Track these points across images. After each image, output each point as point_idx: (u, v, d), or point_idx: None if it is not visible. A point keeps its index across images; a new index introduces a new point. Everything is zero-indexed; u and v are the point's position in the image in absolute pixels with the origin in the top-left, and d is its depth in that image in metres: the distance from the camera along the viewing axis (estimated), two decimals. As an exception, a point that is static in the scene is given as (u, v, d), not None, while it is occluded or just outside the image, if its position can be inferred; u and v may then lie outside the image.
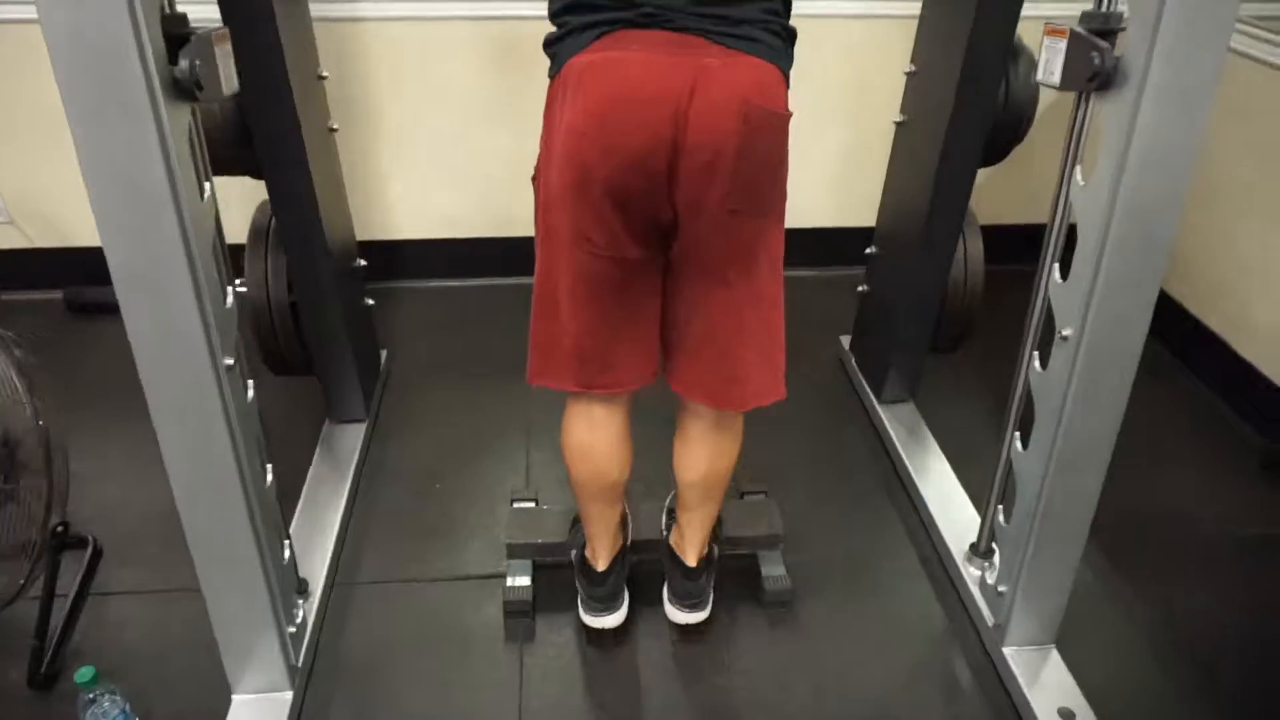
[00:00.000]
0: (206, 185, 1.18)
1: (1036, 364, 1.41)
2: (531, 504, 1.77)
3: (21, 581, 1.42)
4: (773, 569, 1.71)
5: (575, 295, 1.25)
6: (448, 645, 1.59)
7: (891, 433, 2.05)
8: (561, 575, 1.66)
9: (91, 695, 1.33)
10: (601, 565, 1.55)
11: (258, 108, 1.57)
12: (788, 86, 1.16)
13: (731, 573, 1.71)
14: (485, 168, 2.52)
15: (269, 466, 1.37)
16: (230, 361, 1.21)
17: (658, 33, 1.08)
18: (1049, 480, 1.41)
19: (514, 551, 1.68)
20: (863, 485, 1.99)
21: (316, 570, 1.66)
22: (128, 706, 1.37)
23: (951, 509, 1.85)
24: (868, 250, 2.13)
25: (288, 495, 1.80)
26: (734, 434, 1.46)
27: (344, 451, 1.95)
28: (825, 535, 1.84)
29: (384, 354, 2.27)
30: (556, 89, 1.17)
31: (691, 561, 1.56)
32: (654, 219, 1.18)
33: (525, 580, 1.66)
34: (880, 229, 2.11)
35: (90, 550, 1.68)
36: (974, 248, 1.97)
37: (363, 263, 2.05)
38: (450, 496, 1.91)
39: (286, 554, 1.43)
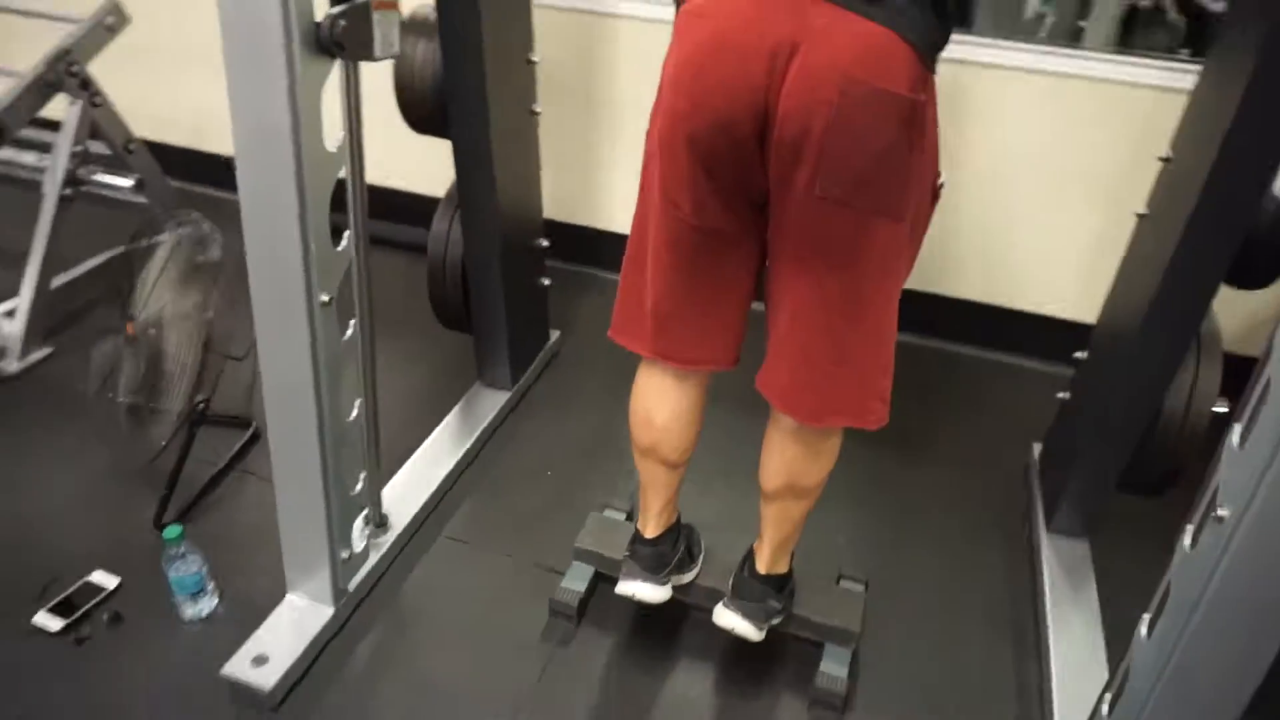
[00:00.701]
0: (338, 136, 1.29)
1: (1187, 538, 1.13)
2: (621, 516, 1.74)
3: (163, 443, 1.66)
4: (833, 666, 1.53)
5: (659, 258, 1.20)
6: (490, 622, 1.62)
7: (1046, 566, 1.75)
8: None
9: (177, 551, 1.53)
10: (650, 532, 1.47)
11: (452, 81, 1.68)
12: (924, 63, 0.99)
13: (792, 656, 1.57)
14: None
15: (359, 402, 1.48)
16: (325, 298, 1.31)
17: None
18: (1162, 683, 1.12)
19: (579, 555, 1.66)
20: (987, 612, 1.72)
21: (405, 511, 1.76)
22: (205, 570, 1.56)
23: (1080, 676, 1.54)
24: (1076, 354, 1.82)
25: (412, 439, 1.94)
26: (816, 453, 1.30)
27: (479, 414, 2.05)
28: (914, 652, 1.62)
29: (555, 334, 2.34)
30: (673, 32, 1.11)
31: (760, 568, 1.44)
32: (745, 189, 1.09)
33: (580, 586, 1.64)
34: (1097, 332, 1.80)
35: (249, 433, 1.94)
36: (1206, 377, 1.61)
37: (545, 243, 2.12)
38: (560, 486, 1.93)
39: (359, 485, 1.54)
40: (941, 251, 2.36)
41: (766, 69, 0.97)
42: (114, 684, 1.47)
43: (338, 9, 1.19)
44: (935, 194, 1.14)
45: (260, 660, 1.45)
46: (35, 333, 2.19)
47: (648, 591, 1.43)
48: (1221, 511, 1.03)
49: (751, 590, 1.44)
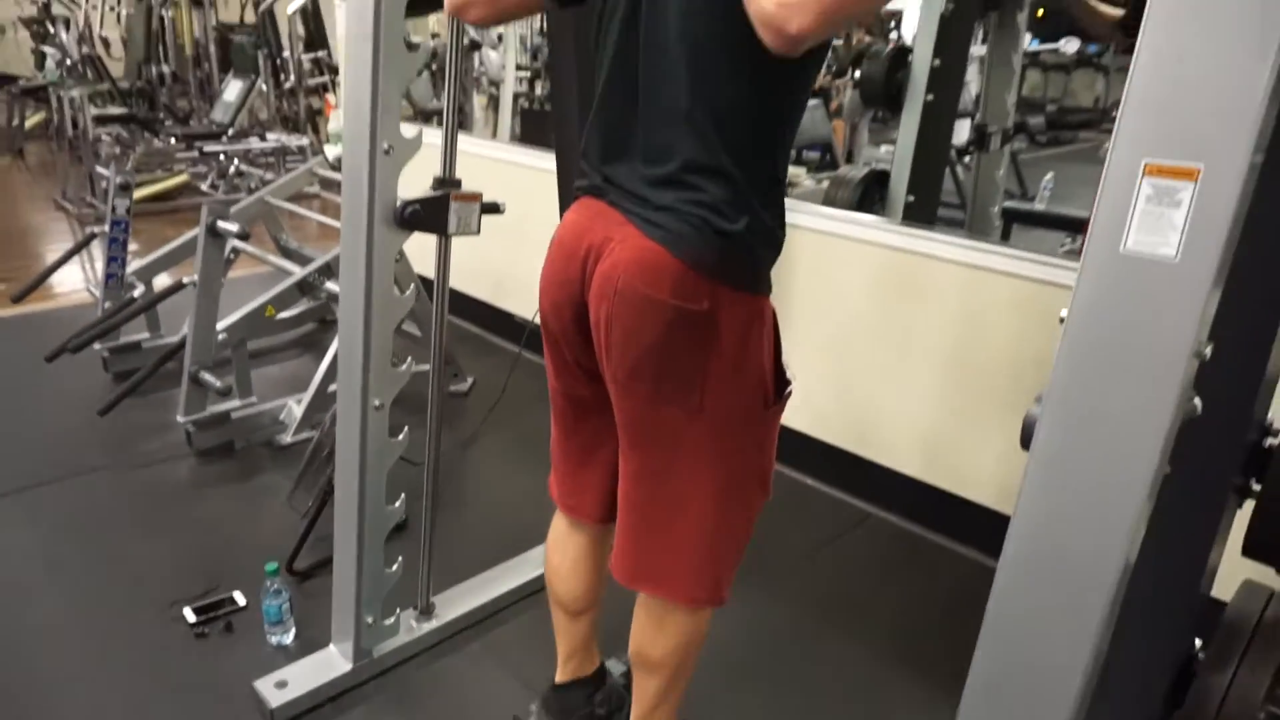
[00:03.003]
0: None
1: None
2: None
3: (310, 505, 2.17)
4: None
5: (552, 414, 1.45)
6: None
7: None
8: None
9: (272, 585, 1.97)
10: (558, 677, 1.60)
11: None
12: (705, 276, 1.13)
13: None
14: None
15: (400, 502, 1.83)
16: (378, 403, 1.72)
17: (597, 202, 1.23)
18: None
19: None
20: None
21: (455, 610, 2.04)
22: (286, 606, 1.98)
23: None
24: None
25: (503, 556, 2.24)
26: (659, 625, 1.37)
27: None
28: None
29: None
30: None
31: None
32: (585, 365, 1.30)
33: None
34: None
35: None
36: (1246, 681, 1.33)
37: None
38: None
39: (395, 567, 1.87)
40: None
41: (579, 270, 1.22)
42: (198, 669, 1.92)
43: (414, 198, 1.65)
44: (769, 398, 1.23)
45: (281, 684, 1.80)
46: (307, 420, 2.92)
47: None
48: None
49: None
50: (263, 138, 6.67)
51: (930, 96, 2.84)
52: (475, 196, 1.73)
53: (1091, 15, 3.05)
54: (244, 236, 2.66)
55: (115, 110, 6.87)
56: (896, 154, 3.01)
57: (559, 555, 1.55)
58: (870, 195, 3.04)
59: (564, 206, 2.03)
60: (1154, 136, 0.68)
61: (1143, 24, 0.67)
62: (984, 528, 2.31)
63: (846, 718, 1.86)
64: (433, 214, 1.68)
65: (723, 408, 1.20)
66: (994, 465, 2.33)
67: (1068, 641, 0.83)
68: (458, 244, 1.73)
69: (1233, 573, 1.39)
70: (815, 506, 2.63)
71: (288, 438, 2.89)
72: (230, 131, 6.40)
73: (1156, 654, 1.43)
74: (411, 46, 1.58)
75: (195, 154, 6.32)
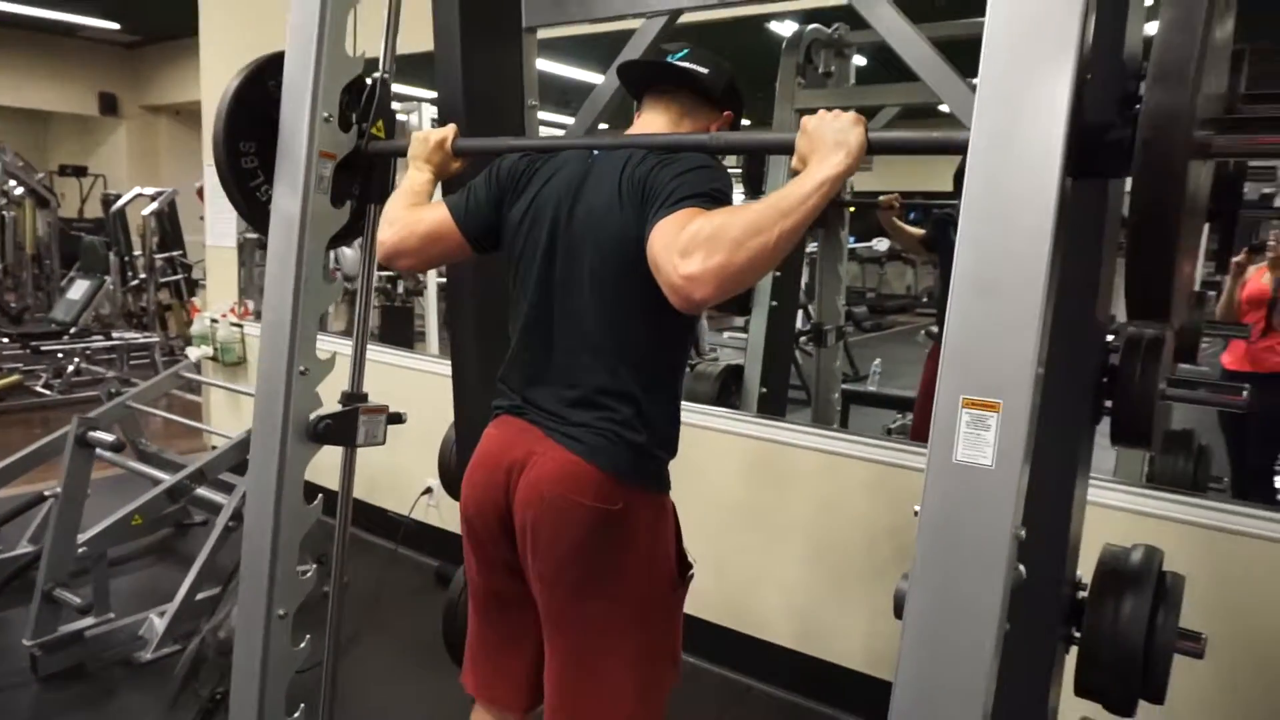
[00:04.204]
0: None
1: None
2: None
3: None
4: None
5: (471, 607, 1.53)
6: None
7: None
8: None
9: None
10: None
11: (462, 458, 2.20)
12: (621, 481, 1.30)
13: None
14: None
15: (300, 712, 1.82)
16: (281, 612, 1.74)
17: (517, 420, 1.40)
18: None
19: None
20: None
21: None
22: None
23: None
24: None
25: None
26: None
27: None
28: None
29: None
30: None
31: None
32: (507, 563, 1.41)
33: None
34: None
35: None
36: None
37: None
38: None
39: (290, 782, 1.82)
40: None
41: (504, 479, 1.38)
42: None
43: (326, 413, 1.76)
44: (674, 583, 1.40)
45: None
46: (171, 633, 2.78)
47: None
48: None
49: None
50: (108, 335, 6.49)
51: (774, 302, 3.25)
52: (382, 409, 1.86)
53: (898, 233, 3.62)
54: (118, 448, 2.63)
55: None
56: (748, 351, 3.37)
57: None
58: (727, 388, 3.35)
59: (460, 416, 2.18)
60: (967, 381, 0.94)
61: (949, 304, 0.95)
62: (857, 691, 2.48)
63: None
64: (343, 428, 1.79)
65: (637, 594, 1.35)
66: (861, 631, 2.53)
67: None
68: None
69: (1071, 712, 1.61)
70: (700, 681, 2.73)
71: (148, 654, 2.72)
72: (73, 330, 6.20)
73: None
74: (328, 279, 1.75)
75: (26, 353, 6.04)
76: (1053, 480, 1.41)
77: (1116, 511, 2.10)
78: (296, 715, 1.81)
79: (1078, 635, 1.57)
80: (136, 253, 7.27)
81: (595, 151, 1.40)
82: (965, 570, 0.98)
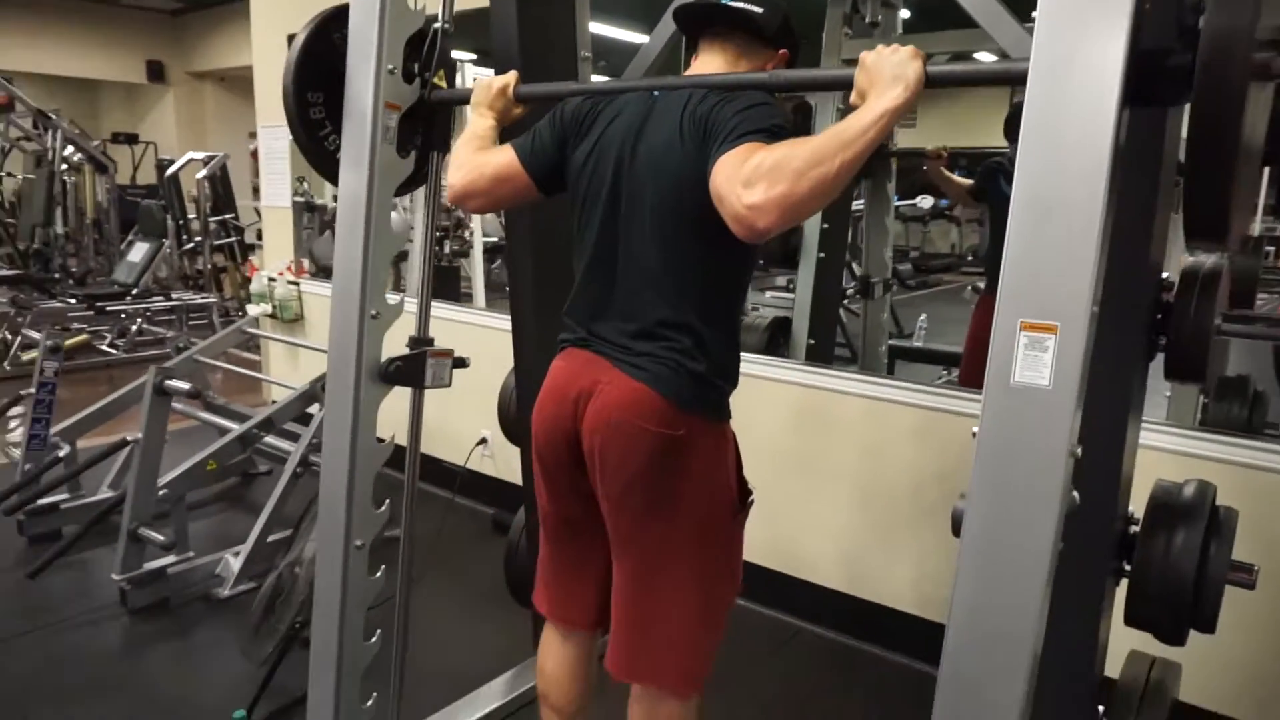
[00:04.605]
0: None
1: None
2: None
3: (268, 651, 2.20)
4: None
5: (543, 534, 1.61)
6: None
7: None
8: None
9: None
10: None
11: (522, 407, 2.28)
12: (682, 409, 1.36)
13: None
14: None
15: (376, 638, 1.93)
16: (359, 543, 1.84)
17: (583, 352, 1.46)
18: None
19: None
20: None
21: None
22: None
23: None
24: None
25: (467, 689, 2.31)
26: (655, 718, 1.50)
27: (524, 680, 2.38)
28: None
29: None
30: None
31: None
32: (577, 489, 1.48)
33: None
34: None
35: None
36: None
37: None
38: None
39: (369, 702, 1.93)
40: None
41: (573, 409, 1.44)
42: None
43: (398, 356, 1.84)
44: (734, 509, 1.47)
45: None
46: (246, 572, 2.93)
47: None
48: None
49: None
50: (167, 297, 6.70)
51: (822, 254, 3.27)
52: (448, 352, 1.94)
53: (946, 184, 3.60)
54: (195, 395, 2.76)
55: (7, 271, 6.78)
56: (796, 303, 3.40)
57: (552, 663, 1.67)
58: (775, 340, 3.39)
59: (520, 362, 2.26)
60: (1026, 305, 0.98)
61: (1008, 234, 0.98)
62: (905, 632, 2.54)
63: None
64: (412, 370, 1.87)
65: (698, 517, 1.42)
66: (908, 574, 2.59)
67: (1008, 678, 1.06)
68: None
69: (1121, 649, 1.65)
70: (751, 624, 2.81)
71: (225, 590, 2.88)
72: (134, 291, 6.41)
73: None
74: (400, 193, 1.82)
75: (91, 313, 6.27)
76: (1106, 415, 1.44)
77: (1169, 455, 2.11)
78: (373, 640, 1.92)
79: (1128, 569, 1.61)
80: (190, 216, 7.45)
81: (656, 93, 1.44)
82: (1022, 489, 1.02)
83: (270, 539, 2.98)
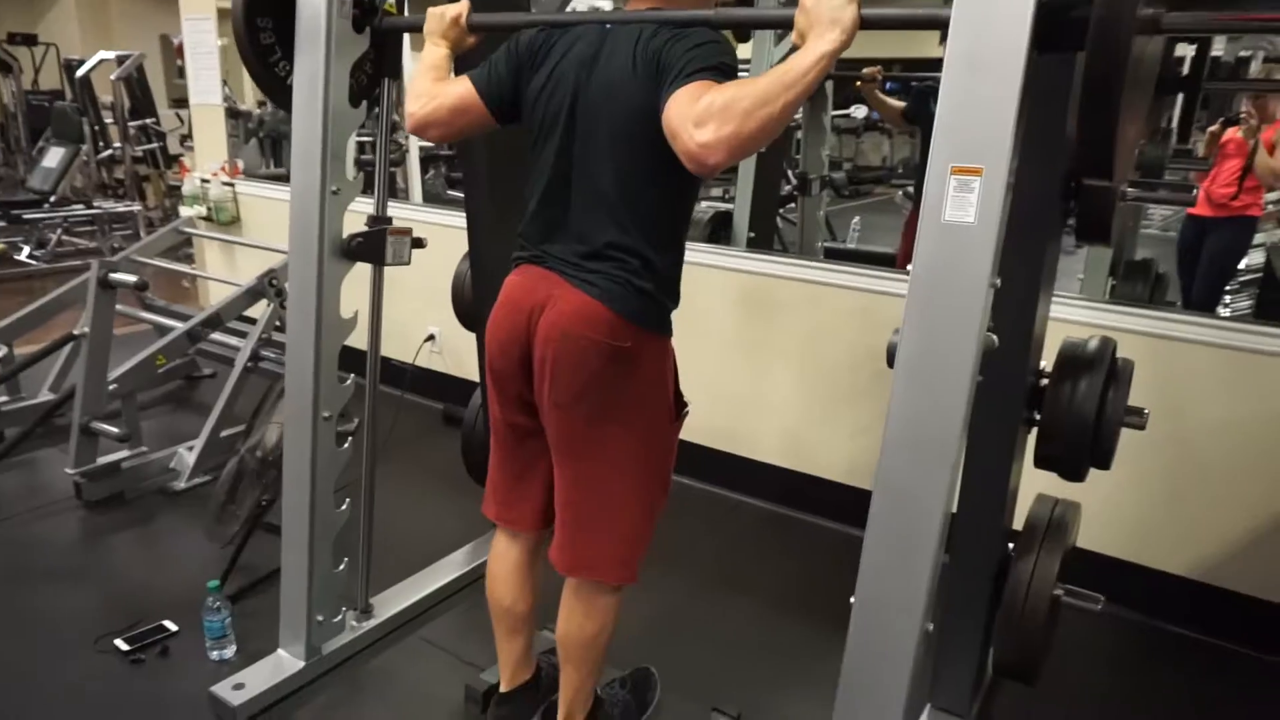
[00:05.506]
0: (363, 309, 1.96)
1: None
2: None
3: (235, 530, 2.29)
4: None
5: (493, 441, 1.71)
6: (416, 701, 2.00)
7: (920, 740, 1.87)
8: None
9: (213, 602, 2.08)
10: (502, 686, 1.82)
11: (479, 291, 2.36)
12: (628, 322, 1.46)
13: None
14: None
15: (345, 505, 2.02)
16: (326, 414, 1.91)
17: (537, 268, 1.54)
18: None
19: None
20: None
21: (391, 608, 2.23)
22: (228, 622, 2.09)
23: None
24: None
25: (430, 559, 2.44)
26: (589, 607, 1.64)
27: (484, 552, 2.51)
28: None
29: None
30: None
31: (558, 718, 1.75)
32: (524, 398, 1.58)
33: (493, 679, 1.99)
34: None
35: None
36: (1045, 563, 1.78)
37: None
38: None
39: (341, 567, 2.04)
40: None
41: (525, 320, 1.52)
42: (142, 691, 2.00)
43: (359, 232, 1.89)
44: (673, 415, 1.59)
45: (239, 686, 1.93)
46: (201, 465, 2.97)
47: None
48: None
49: None
50: (88, 205, 6.45)
51: (762, 149, 3.35)
52: (406, 231, 1.99)
53: (880, 105, 3.72)
54: (143, 287, 2.74)
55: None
56: (737, 197, 3.50)
57: (499, 569, 1.78)
58: (716, 233, 3.50)
59: (476, 266, 2.31)
60: (955, 150, 1.10)
61: (942, 85, 1.09)
62: (838, 500, 2.74)
63: (757, 654, 2.21)
64: (372, 246, 1.92)
65: (642, 422, 1.54)
66: (844, 447, 2.78)
67: (932, 490, 1.21)
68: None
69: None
70: (695, 499, 2.99)
71: (181, 484, 2.93)
72: (52, 199, 6.15)
73: (982, 559, 1.87)
74: (354, 104, 1.84)
75: (4, 223, 6.01)
76: (1020, 287, 1.59)
77: (1080, 326, 2.31)
78: (343, 508, 2.02)
79: (1039, 418, 1.79)
80: (108, 121, 7.11)
81: (609, 25, 1.50)
82: (948, 318, 1.16)
83: (224, 434, 3.02)
